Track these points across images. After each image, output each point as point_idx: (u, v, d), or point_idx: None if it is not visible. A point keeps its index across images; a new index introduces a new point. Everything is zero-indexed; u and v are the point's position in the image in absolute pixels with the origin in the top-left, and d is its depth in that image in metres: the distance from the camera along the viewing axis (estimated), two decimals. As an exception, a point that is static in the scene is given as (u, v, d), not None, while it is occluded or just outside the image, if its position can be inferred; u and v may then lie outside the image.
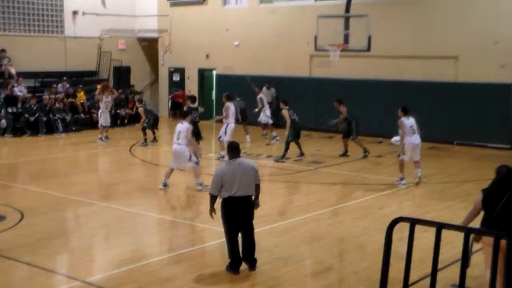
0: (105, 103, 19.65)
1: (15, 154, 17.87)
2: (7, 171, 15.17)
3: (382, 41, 19.23)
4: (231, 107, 16.11)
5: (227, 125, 15.94)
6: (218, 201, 7.73)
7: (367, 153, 16.62)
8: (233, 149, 7.91)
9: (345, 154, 16.75)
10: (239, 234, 7.74)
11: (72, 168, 15.83)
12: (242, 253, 7.71)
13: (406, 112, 13.38)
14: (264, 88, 22.17)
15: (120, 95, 24.42)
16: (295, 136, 15.98)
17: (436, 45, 19.52)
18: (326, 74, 21.93)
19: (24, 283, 7.65)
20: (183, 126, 12.20)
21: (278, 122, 22.12)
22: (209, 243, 9.12)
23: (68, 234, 9.91)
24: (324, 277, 7.69)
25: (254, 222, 9.97)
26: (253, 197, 7.77)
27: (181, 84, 26.43)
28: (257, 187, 7.80)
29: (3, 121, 20.27)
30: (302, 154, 16.15)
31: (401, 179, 13.28)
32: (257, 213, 10.82)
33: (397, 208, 11.25)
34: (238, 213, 7.60)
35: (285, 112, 15.85)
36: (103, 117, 19.46)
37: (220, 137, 15.99)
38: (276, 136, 19.27)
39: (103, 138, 19.29)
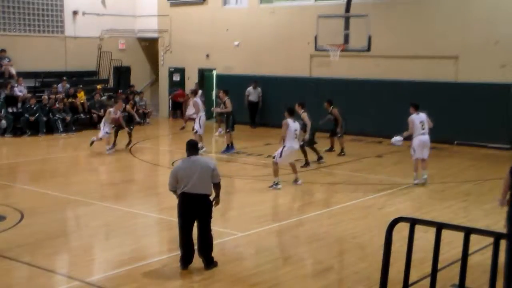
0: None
1: (15, 154, 17.87)
2: (7, 171, 15.16)
3: (382, 41, 19.24)
4: (199, 102, 17.37)
5: (200, 118, 16.95)
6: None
7: (343, 153, 17.04)
8: (191, 147, 7.95)
9: (331, 149, 17.45)
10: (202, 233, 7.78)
11: (72, 168, 15.83)
12: (198, 249, 7.75)
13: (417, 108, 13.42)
14: (251, 88, 22.70)
15: (119, 94, 24.44)
16: (312, 140, 15.26)
17: (436, 45, 19.52)
18: (326, 74, 21.93)
19: (24, 283, 7.65)
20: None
21: (268, 122, 22.35)
22: (209, 243, 9.12)
23: (68, 234, 9.91)
24: (324, 277, 7.69)
25: (255, 222, 9.97)
26: (211, 196, 7.78)
27: (181, 84, 26.44)
28: (217, 186, 7.83)
29: (3, 121, 20.27)
30: (307, 163, 15.16)
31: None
32: (257, 213, 10.88)
33: (397, 208, 11.24)
34: (190, 210, 7.63)
35: (304, 116, 14.66)
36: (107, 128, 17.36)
37: (196, 131, 16.85)
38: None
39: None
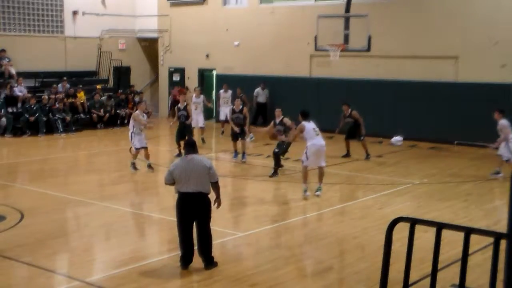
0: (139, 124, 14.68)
1: (15, 154, 17.87)
2: (7, 171, 15.16)
3: (382, 41, 19.24)
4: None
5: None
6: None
7: (369, 156, 16.42)
8: (189, 146, 7.98)
9: (347, 155, 16.67)
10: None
11: (72, 168, 15.83)
12: (198, 249, 7.77)
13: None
14: (259, 89, 22.59)
15: (117, 94, 24.42)
16: (285, 150, 14.33)
17: (436, 45, 19.51)
18: (326, 74, 21.94)
19: (24, 283, 7.65)
20: None
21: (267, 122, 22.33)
22: (209, 243, 9.11)
23: (68, 234, 9.90)
24: (324, 277, 7.69)
25: (255, 222, 9.95)
26: (210, 196, 7.78)
27: (181, 84, 26.42)
28: (215, 185, 7.81)
29: (3, 118, 20.25)
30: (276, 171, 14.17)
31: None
32: (257, 213, 10.88)
33: (397, 208, 11.24)
34: (188, 209, 7.64)
35: (287, 120, 13.99)
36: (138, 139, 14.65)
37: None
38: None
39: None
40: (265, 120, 22.87)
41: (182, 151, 15.40)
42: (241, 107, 16.29)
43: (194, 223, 7.72)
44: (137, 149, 14.55)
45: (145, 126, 14.71)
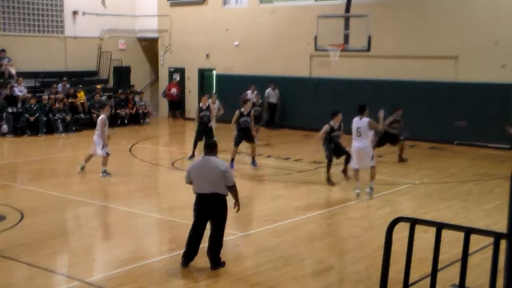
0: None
1: (15, 154, 17.87)
2: (7, 171, 15.15)
3: (382, 41, 19.23)
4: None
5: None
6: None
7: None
8: (208, 147, 8.03)
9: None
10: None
11: (72, 168, 15.79)
12: (207, 248, 7.80)
13: None
14: (270, 89, 22.48)
15: (117, 94, 24.44)
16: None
17: (436, 45, 19.52)
18: (326, 74, 21.93)
19: (24, 283, 7.65)
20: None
21: (278, 123, 22.31)
22: (209, 243, 9.10)
23: (68, 234, 9.90)
24: (324, 277, 7.69)
25: (255, 222, 9.95)
26: (226, 197, 7.78)
27: (181, 84, 26.42)
28: (231, 189, 7.76)
29: (4, 126, 20.23)
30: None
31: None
32: (257, 213, 10.88)
33: (397, 208, 11.24)
34: (203, 209, 7.67)
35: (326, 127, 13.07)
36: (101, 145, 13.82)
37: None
38: None
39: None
40: (273, 120, 22.82)
41: (196, 153, 15.30)
42: (249, 109, 15.10)
43: (209, 224, 7.74)
44: (108, 155, 13.84)
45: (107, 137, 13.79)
